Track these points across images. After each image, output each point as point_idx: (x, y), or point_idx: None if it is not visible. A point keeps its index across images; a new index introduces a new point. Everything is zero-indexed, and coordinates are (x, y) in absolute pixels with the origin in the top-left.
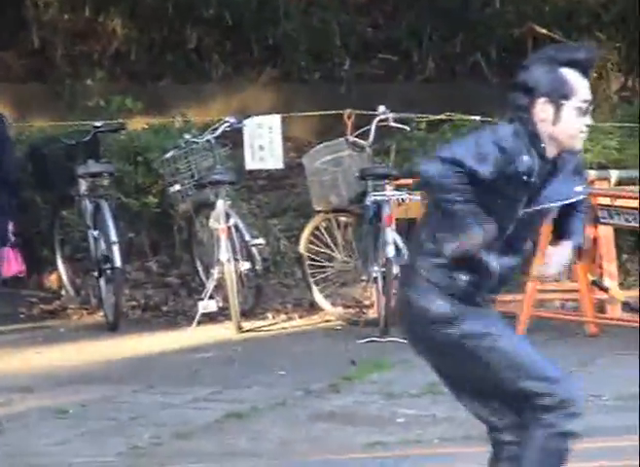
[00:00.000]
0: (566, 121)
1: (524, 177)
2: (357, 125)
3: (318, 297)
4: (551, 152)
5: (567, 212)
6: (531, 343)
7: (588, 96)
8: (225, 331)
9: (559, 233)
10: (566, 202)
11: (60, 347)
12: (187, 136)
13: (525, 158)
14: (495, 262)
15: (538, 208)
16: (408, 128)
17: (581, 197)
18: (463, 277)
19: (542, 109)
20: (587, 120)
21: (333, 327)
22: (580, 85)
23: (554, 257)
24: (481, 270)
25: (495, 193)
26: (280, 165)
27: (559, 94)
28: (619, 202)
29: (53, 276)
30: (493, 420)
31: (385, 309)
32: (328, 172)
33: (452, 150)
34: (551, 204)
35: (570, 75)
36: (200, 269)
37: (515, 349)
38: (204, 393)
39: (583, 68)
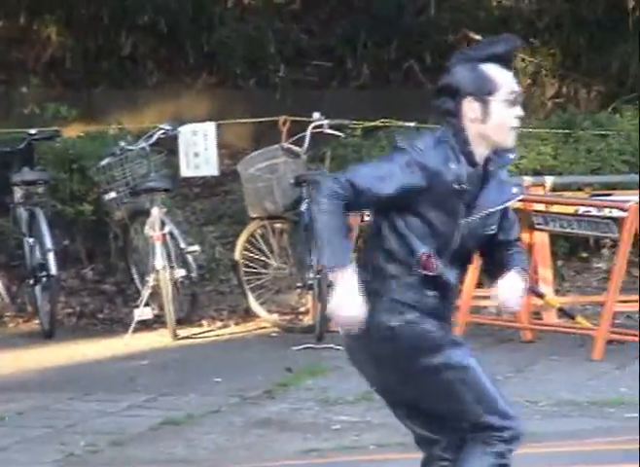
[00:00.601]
0: (496, 116)
1: (456, 186)
2: (292, 131)
3: (254, 304)
4: (482, 153)
5: (503, 247)
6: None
7: (515, 87)
8: (160, 338)
9: (502, 267)
10: (507, 204)
11: None
12: (122, 144)
13: (453, 166)
14: (450, 275)
15: (479, 216)
16: (343, 135)
17: (519, 196)
18: (430, 293)
19: (470, 108)
20: (518, 111)
21: (268, 334)
22: (503, 77)
23: (510, 292)
24: (442, 285)
25: (432, 206)
26: (215, 173)
27: (484, 91)
28: (554, 208)
29: None
30: (433, 437)
31: (321, 316)
32: (263, 179)
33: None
34: (491, 209)
35: (492, 70)
36: (136, 276)
37: (480, 382)
38: (140, 400)
39: (504, 61)
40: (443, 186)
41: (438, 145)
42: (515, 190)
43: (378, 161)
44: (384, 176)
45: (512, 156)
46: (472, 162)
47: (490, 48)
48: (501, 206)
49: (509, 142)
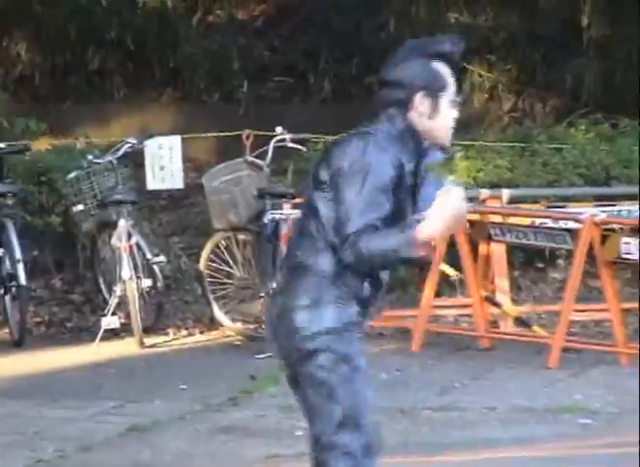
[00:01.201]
0: (443, 114)
1: (409, 180)
2: (255, 145)
3: (218, 313)
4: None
5: None
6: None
7: (456, 89)
8: (127, 346)
9: None
10: None
11: None
12: (89, 157)
13: (404, 160)
14: (384, 274)
15: (421, 216)
16: (305, 149)
17: None
18: (367, 286)
19: (421, 103)
20: (456, 113)
21: (232, 342)
22: (450, 77)
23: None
24: (375, 282)
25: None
26: (180, 185)
27: (436, 87)
28: (511, 220)
29: None
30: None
31: None
32: (227, 192)
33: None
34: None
35: (441, 67)
36: (103, 286)
37: (359, 399)
38: (107, 407)
39: (450, 60)
40: (400, 180)
41: (392, 139)
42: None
43: (359, 181)
44: (379, 201)
45: (440, 154)
46: (419, 151)
47: (438, 45)
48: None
49: (447, 141)
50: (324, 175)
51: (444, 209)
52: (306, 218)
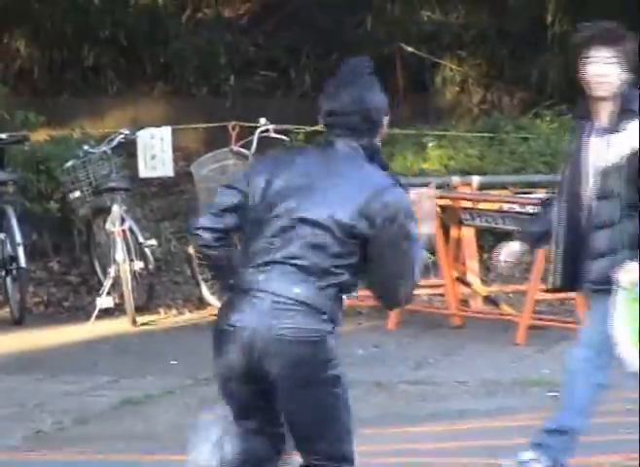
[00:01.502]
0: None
1: None
2: (241, 135)
3: (206, 293)
4: None
5: None
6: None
7: None
8: (121, 325)
9: None
10: None
11: None
12: (85, 147)
13: None
14: None
15: None
16: (288, 139)
17: None
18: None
19: (384, 127)
20: None
21: None
22: None
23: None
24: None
25: None
26: (171, 173)
27: (388, 111)
28: (480, 205)
29: None
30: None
31: None
32: (214, 179)
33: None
34: None
35: None
36: (98, 268)
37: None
38: (102, 382)
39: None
40: None
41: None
42: None
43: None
44: None
45: None
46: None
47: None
48: None
49: None
50: (364, 228)
51: (424, 209)
52: (311, 247)
